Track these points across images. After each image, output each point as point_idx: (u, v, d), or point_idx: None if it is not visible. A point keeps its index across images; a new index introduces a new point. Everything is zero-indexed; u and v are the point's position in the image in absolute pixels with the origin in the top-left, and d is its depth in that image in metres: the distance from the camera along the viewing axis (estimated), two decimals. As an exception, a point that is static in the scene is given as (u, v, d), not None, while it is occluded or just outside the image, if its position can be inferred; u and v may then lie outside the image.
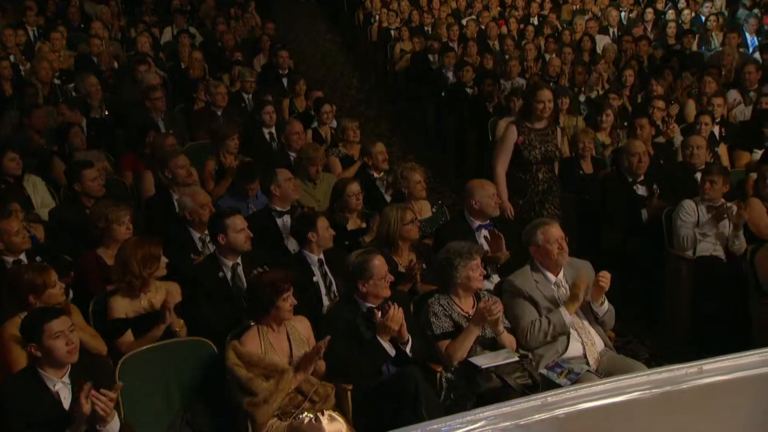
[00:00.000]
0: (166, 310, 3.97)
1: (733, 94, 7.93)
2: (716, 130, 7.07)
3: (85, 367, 3.30)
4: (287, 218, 5.27)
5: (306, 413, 3.67)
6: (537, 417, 2.35)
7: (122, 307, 4.04)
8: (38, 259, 4.32)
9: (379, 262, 4.04)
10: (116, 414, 3.16)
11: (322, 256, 4.63)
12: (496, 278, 4.80)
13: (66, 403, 3.19)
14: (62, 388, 3.21)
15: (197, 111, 7.56)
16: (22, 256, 4.40)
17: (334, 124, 7.41)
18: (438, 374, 4.03)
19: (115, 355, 3.87)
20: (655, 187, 5.80)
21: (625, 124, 7.40)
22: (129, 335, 4.01)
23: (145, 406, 3.74)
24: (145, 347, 3.88)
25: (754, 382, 2.41)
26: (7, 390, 3.18)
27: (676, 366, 2.65)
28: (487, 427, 2.27)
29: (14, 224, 4.39)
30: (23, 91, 7.43)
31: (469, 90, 8.87)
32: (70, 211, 5.27)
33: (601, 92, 8.32)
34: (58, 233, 5.11)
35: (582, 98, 8.47)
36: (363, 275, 4.01)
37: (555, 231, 4.20)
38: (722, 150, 6.76)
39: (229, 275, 4.45)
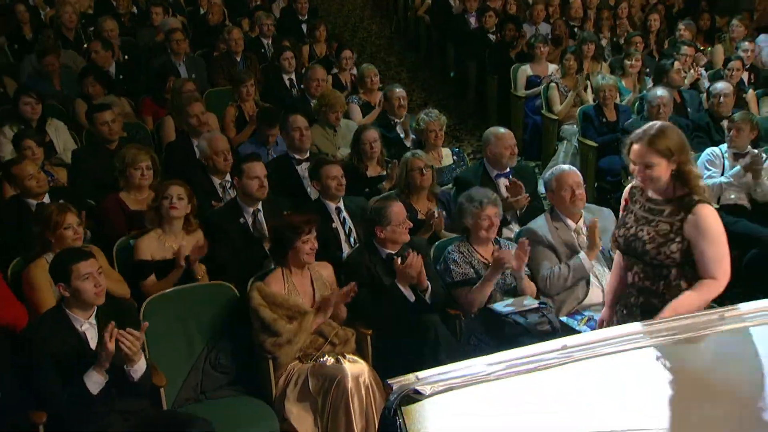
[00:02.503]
0: (182, 257, 4.01)
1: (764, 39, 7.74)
2: (745, 76, 6.92)
3: (111, 308, 3.36)
4: (306, 165, 5.27)
5: (327, 356, 3.73)
6: (556, 362, 2.36)
7: (148, 248, 4.09)
8: (61, 202, 4.37)
9: (397, 209, 4.05)
10: (143, 355, 3.23)
11: (340, 204, 4.63)
12: (516, 227, 4.78)
13: (92, 343, 3.25)
14: (89, 329, 3.27)
15: (217, 56, 7.50)
16: (46, 199, 4.46)
17: (355, 70, 7.33)
18: (457, 320, 4.06)
19: (139, 298, 3.94)
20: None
21: (647, 70, 7.26)
22: (153, 277, 4.07)
23: (168, 348, 3.81)
24: (168, 290, 3.94)
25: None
26: (35, 329, 3.25)
27: (698, 313, 2.65)
28: (507, 371, 2.29)
29: (28, 168, 4.43)
30: (42, 35, 7.41)
31: (491, 36, 8.71)
32: (92, 154, 5.30)
33: (626, 36, 8.13)
34: (80, 175, 5.14)
35: (605, 43, 8.29)
36: (381, 221, 4.03)
37: (569, 177, 4.17)
38: (751, 96, 6.62)
39: (249, 221, 4.47)
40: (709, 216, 2.97)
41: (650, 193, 3.09)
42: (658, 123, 3.07)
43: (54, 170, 5.10)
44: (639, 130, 3.05)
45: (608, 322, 3.34)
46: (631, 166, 3.07)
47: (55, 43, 7.22)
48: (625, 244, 3.14)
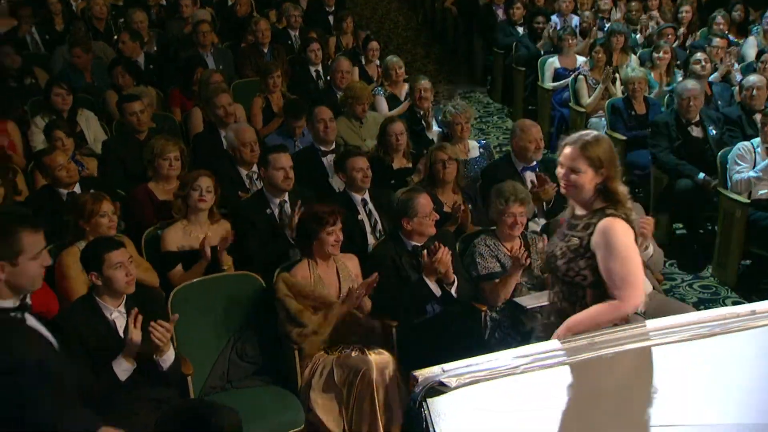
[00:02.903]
0: (207, 248, 4.05)
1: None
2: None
3: (140, 297, 3.40)
4: (332, 157, 5.28)
5: (352, 347, 3.74)
6: (584, 356, 2.36)
7: (173, 239, 4.14)
8: (92, 191, 4.43)
9: (424, 200, 4.04)
10: (171, 345, 3.27)
11: (366, 196, 4.64)
12: (542, 220, 4.75)
13: (122, 331, 3.28)
14: (118, 317, 3.31)
15: (244, 48, 7.54)
16: (77, 188, 4.52)
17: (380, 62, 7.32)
18: (483, 313, 4.05)
19: (167, 288, 3.99)
20: (711, 128, 5.63)
21: (678, 62, 7.16)
22: (179, 268, 4.11)
23: (195, 337, 3.84)
24: (195, 280, 3.98)
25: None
26: (66, 317, 3.30)
27: (728, 308, 2.62)
28: (534, 364, 2.29)
29: (58, 159, 4.50)
30: (73, 26, 7.51)
31: (519, 28, 8.65)
32: (122, 144, 5.37)
33: (655, 27, 8.02)
34: (110, 165, 5.20)
35: (636, 35, 8.19)
36: (408, 213, 4.03)
37: None
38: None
39: (276, 212, 4.50)
40: (617, 230, 2.78)
41: (577, 210, 2.95)
42: (595, 132, 2.97)
43: (84, 160, 5.16)
44: (575, 134, 2.95)
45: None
46: (558, 169, 2.96)
47: (85, 34, 7.31)
48: (546, 261, 3.06)
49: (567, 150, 2.89)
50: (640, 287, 2.80)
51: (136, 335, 3.13)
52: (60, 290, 3.77)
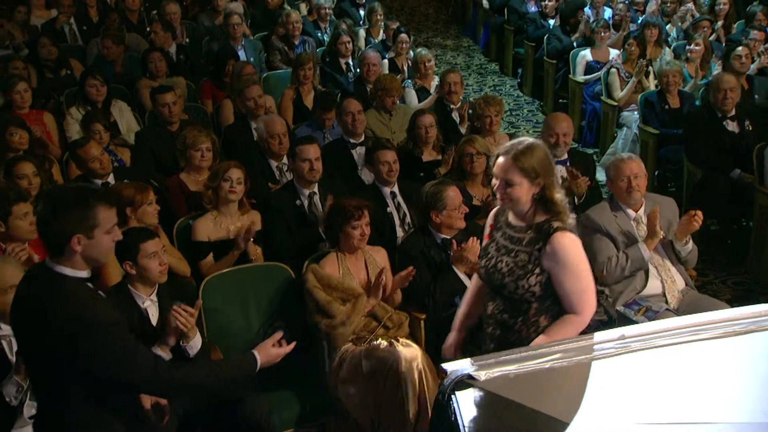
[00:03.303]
0: (242, 238, 4.08)
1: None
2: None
3: (171, 286, 3.44)
4: (361, 149, 5.29)
5: (381, 339, 3.76)
6: (613, 352, 2.33)
7: (205, 230, 4.18)
8: (126, 181, 4.48)
9: (453, 193, 4.04)
10: (198, 331, 3.30)
11: (395, 188, 4.64)
12: (572, 215, 4.70)
13: (153, 319, 3.34)
14: (150, 306, 3.36)
15: (275, 40, 7.58)
16: (110, 179, 4.59)
17: (411, 54, 7.32)
18: (511, 307, 4.03)
19: (198, 277, 4.03)
20: (747, 123, 5.54)
21: (714, 55, 7.05)
22: (210, 258, 4.15)
23: (225, 326, 3.88)
24: (225, 270, 4.02)
25: None
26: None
27: (762, 305, 2.57)
28: (563, 360, 2.27)
29: (92, 151, 4.56)
30: (107, 18, 7.61)
31: (551, 21, 8.58)
32: (154, 135, 5.43)
33: (690, 20, 7.90)
34: (142, 155, 5.27)
35: (671, 29, 8.07)
36: (436, 206, 4.02)
37: (626, 167, 4.06)
38: (823, 84, 6.37)
39: (305, 203, 4.52)
40: (567, 245, 2.73)
41: (512, 219, 2.88)
42: (529, 140, 2.84)
43: (118, 150, 5.24)
44: (508, 144, 2.84)
45: (455, 348, 3.17)
46: (494, 181, 2.85)
47: (119, 26, 7.40)
48: (486, 275, 2.92)
49: (500, 161, 2.79)
50: (593, 294, 2.79)
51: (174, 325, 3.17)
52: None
